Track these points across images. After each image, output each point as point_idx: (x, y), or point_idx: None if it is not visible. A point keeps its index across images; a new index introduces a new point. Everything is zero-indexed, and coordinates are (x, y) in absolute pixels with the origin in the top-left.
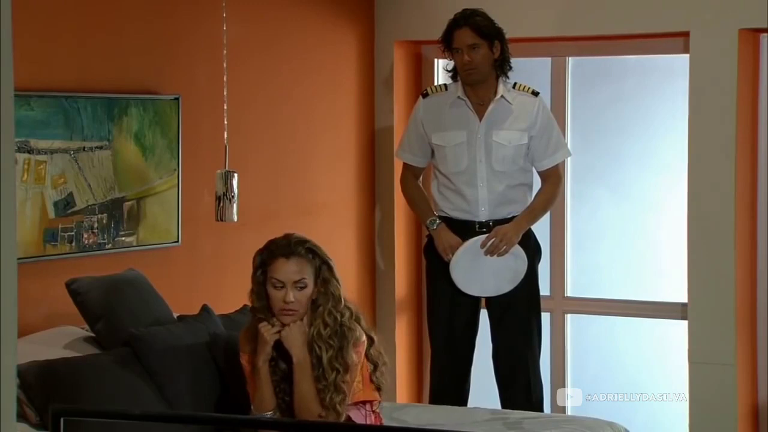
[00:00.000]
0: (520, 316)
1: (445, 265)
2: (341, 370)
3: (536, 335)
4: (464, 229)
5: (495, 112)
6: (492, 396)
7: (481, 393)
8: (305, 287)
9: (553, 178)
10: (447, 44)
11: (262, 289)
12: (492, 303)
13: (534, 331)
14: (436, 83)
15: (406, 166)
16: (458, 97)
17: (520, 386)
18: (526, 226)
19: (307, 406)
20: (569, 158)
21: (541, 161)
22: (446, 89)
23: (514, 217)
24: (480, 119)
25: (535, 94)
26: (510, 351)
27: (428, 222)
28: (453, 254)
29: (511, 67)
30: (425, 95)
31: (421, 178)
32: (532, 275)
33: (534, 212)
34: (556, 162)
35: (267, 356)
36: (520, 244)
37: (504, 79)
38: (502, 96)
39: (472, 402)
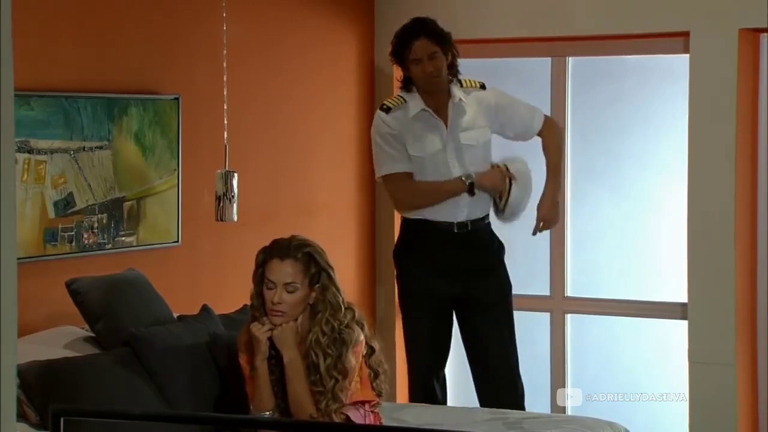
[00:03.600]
0: (495, 314)
1: (417, 269)
2: (340, 378)
3: (513, 332)
4: (443, 231)
5: (456, 115)
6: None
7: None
8: (296, 291)
9: (548, 126)
10: (403, 56)
11: (260, 287)
12: (465, 304)
13: (512, 329)
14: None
15: (397, 180)
16: (423, 109)
17: (504, 384)
18: (559, 192)
19: (301, 406)
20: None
21: (528, 130)
22: (405, 101)
23: (487, 215)
24: (446, 126)
25: (483, 87)
26: (485, 349)
27: (464, 180)
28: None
29: (459, 71)
30: (387, 110)
31: None
32: (500, 269)
33: (556, 174)
34: (542, 121)
35: (264, 355)
36: (484, 242)
37: (454, 81)
38: (459, 98)
39: (470, 402)
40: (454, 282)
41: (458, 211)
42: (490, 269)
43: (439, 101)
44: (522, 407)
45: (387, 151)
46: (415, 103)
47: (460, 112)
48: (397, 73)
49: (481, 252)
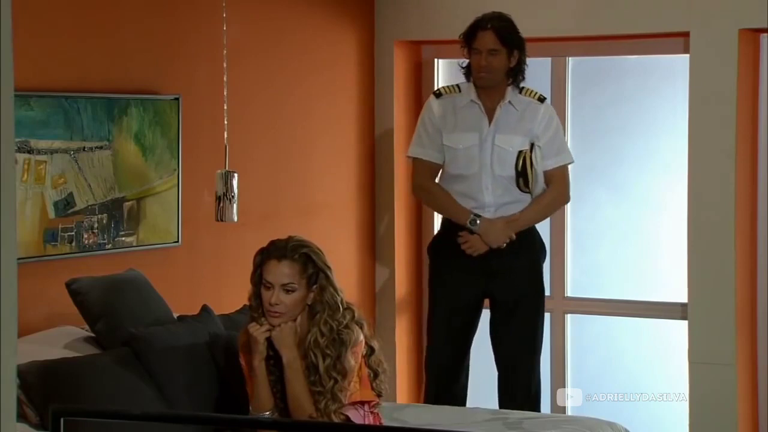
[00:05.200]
0: (525, 316)
1: (450, 266)
2: (339, 378)
3: (540, 334)
4: (470, 230)
5: (502, 116)
6: (492, 396)
7: (481, 393)
8: (293, 291)
9: (557, 180)
10: (468, 43)
11: (258, 288)
12: (497, 303)
13: (537, 330)
14: (441, 84)
15: (421, 166)
16: (472, 100)
17: (521, 384)
18: (510, 231)
19: (301, 406)
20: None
21: (545, 161)
22: (459, 90)
23: None
24: (489, 123)
25: (542, 100)
26: (513, 350)
27: (470, 222)
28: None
29: (523, 78)
30: (438, 95)
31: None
32: (536, 274)
33: (525, 218)
34: (559, 163)
35: (262, 356)
36: (524, 242)
37: (513, 86)
38: (509, 101)
39: (472, 402)
40: (479, 281)
41: (484, 211)
42: (517, 270)
43: (492, 99)
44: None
45: (421, 135)
46: (468, 93)
47: (508, 114)
48: (398, 72)
49: (508, 252)
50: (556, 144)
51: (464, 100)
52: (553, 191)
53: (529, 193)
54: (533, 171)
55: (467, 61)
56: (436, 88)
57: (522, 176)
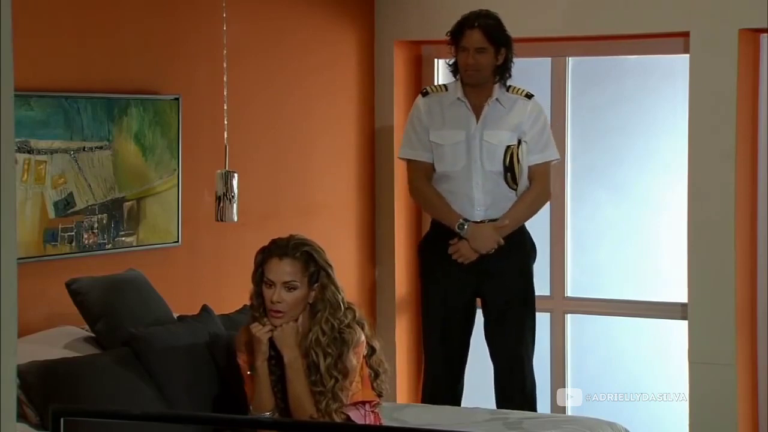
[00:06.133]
0: (516, 317)
1: (440, 265)
2: (340, 378)
3: (531, 335)
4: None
5: (490, 113)
6: (490, 396)
7: (480, 393)
8: (295, 289)
9: (539, 177)
10: (455, 41)
11: (260, 287)
12: (489, 304)
13: (528, 331)
14: (436, 83)
15: (414, 167)
16: (458, 98)
17: (516, 385)
18: (499, 234)
19: (302, 406)
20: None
21: (530, 156)
22: (446, 89)
23: None
24: (477, 120)
25: (529, 96)
26: (507, 351)
27: (458, 226)
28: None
29: (510, 75)
30: (425, 94)
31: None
32: (527, 275)
33: (513, 220)
34: (544, 159)
35: (264, 356)
36: (514, 243)
37: (500, 83)
38: (496, 99)
39: (470, 402)
40: (470, 280)
41: (473, 210)
42: (508, 271)
43: (479, 96)
44: (531, 410)
45: (410, 135)
46: (455, 91)
47: (496, 111)
48: (398, 72)
49: (499, 253)
50: (542, 140)
51: (451, 98)
52: (536, 188)
53: (516, 189)
54: (520, 166)
55: (454, 59)
56: (423, 88)
57: (509, 171)
